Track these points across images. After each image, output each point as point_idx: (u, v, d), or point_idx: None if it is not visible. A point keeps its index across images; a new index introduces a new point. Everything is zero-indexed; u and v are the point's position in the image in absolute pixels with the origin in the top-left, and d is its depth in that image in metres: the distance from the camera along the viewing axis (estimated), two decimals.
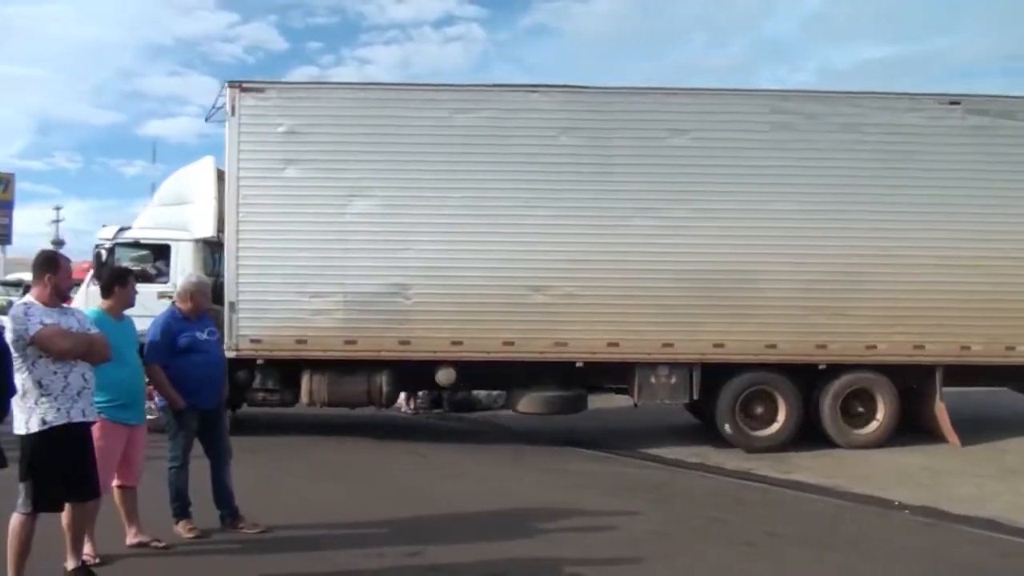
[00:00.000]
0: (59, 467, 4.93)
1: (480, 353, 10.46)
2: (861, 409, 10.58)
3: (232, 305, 10.30)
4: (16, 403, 4.94)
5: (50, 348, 4.86)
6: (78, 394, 4.99)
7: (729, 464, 9.66)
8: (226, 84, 10.73)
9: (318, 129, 10.76)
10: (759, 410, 10.54)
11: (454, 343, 10.50)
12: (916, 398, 10.75)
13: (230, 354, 9.81)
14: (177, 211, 11.56)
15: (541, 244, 10.49)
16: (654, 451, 10.32)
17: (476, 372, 10.90)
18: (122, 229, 11.94)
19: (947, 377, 10.52)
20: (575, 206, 10.49)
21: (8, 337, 4.91)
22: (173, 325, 6.33)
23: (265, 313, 10.38)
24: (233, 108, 10.64)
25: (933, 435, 10.48)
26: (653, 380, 10.54)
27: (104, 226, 12.33)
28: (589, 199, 10.51)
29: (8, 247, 42.91)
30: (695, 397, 10.56)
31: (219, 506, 6.44)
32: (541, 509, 7.22)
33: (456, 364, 10.65)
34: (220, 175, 11.13)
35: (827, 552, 6.21)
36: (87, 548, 5.52)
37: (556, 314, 10.47)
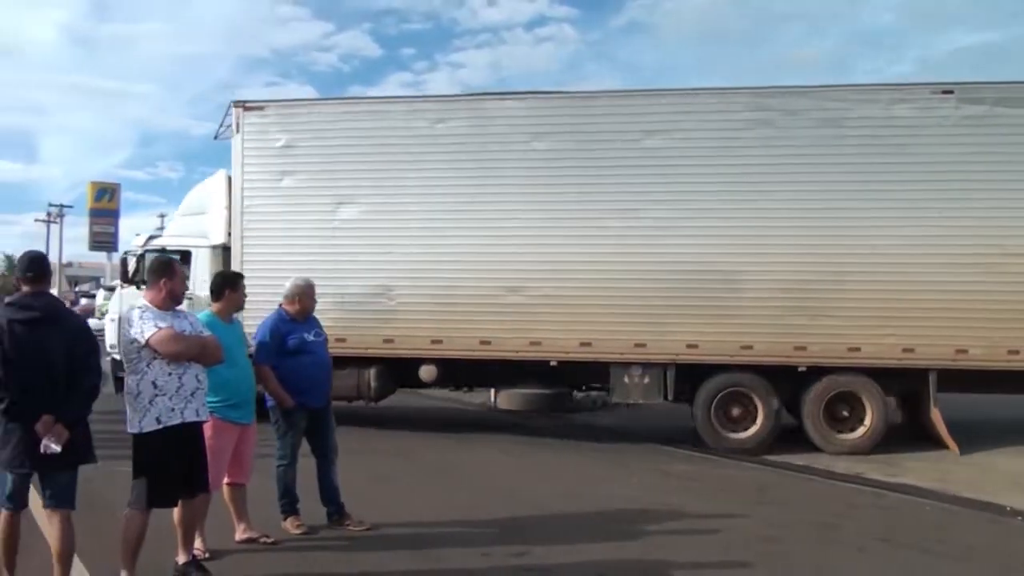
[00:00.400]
0: (172, 465, 5.04)
1: (459, 351, 10.88)
2: (846, 413, 10.27)
3: None
4: (129, 403, 5.03)
5: (164, 351, 4.97)
6: (192, 395, 5.09)
7: (837, 467, 9.40)
8: (232, 104, 11.66)
9: (310, 142, 11.52)
10: (736, 411, 10.46)
11: (434, 341, 10.94)
12: (917, 402, 10.59)
13: None
14: (197, 220, 12.63)
15: (516, 246, 10.85)
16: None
17: (459, 370, 11.31)
18: (151, 237, 13.47)
19: (951, 382, 10.13)
20: (549, 208, 10.82)
21: (123, 340, 4.97)
22: (281, 327, 6.45)
23: (266, 313, 10.40)
24: (238, 125, 11.59)
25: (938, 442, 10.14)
26: (627, 380, 10.70)
27: (137, 235, 14.12)
28: (563, 201, 10.82)
29: (114, 254, 45.53)
30: (669, 398, 10.64)
31: (326, 503, 6.54)
32: (644, 511, 7.14)
33: (438, 362, 11.06)
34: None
35: (939, 560, 6.04)
36: (197, 543, 5.62)
37: (531, 314, 10.78)
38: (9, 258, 58.02)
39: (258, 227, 11.45)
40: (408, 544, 6.15)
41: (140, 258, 12.86)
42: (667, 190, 10.54)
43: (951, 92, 10.08)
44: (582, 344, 10.67)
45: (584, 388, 12.02)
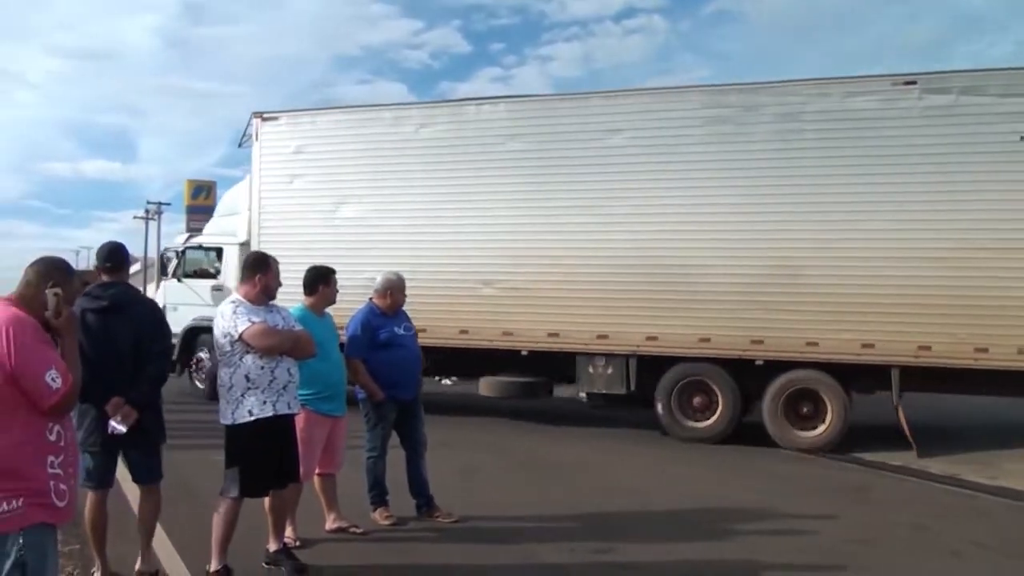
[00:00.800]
0: (264, 456, 5.16)
1: (439, 340, 11.18)
2: (806, 410, 10.24)
3: None
4: (222, 395, 5.19)
5: (257, 345, 5.09)
6: (284, 388, 5.21)
7: (934, 468, 9.14)
8: (252, 115, 13.09)
9: (315, 147, 12.75)
10: (697, 401, 10.70)
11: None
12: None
13: None
14: (229, 220, 14.21)
15: (491, 241, 11.50)
16: (856, 452, 9.93)
17: (442, 359, 11.73)
18: (191, 235, 15.29)
19: (924, 380, 9.92)
20: (521, 205, 11.38)
21: (216, 333, 5.15)
22: (372, 321, 6.54)
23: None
24: (256, 134, 13.03)
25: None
26: (591, 370, 11.08)
27: (179, 234, 16.16)
28: (533, 199, 11.32)
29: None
30: (632, 388, 10.87)
31: (415, 495, 6.64)
32: (737, 510, 7.05)
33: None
34: None
35: None
36: (288, 531, 5.75)
37: (503, 305, 11.41)
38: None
39: (272, 225, 12.70)
40: (496, 537, 6.21)
41: (180, 254, 14.57)
42: (626, 187, 10.82)
43: (914, 83, 9.86)
44: (550, 335, 11.18)
45: (557, 378, 12.43)
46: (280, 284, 5.41)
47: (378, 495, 6.52)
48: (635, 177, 10.77)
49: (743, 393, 10.52)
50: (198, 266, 14.36)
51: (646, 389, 10.88)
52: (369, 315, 6.59)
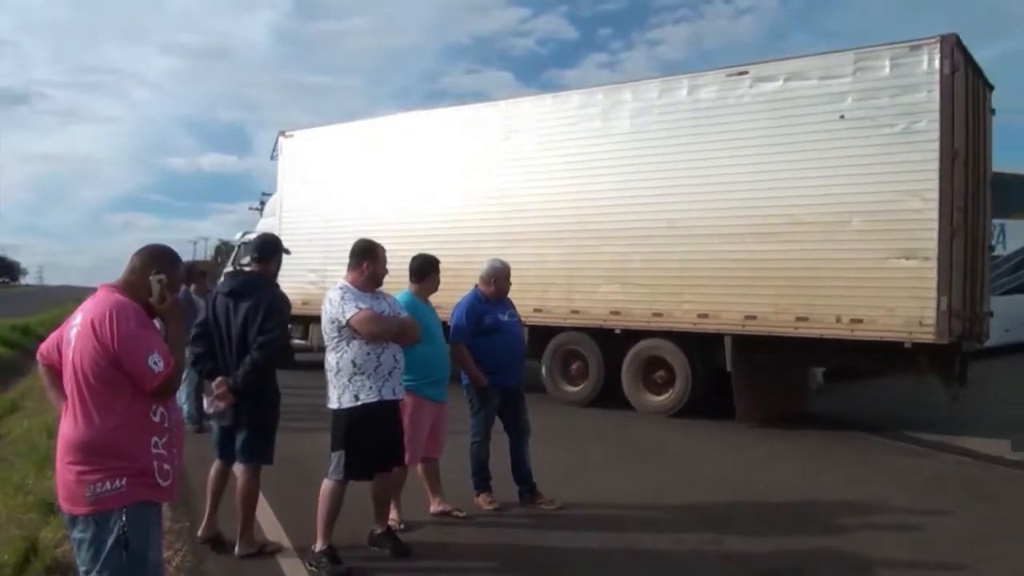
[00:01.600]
0: (369, 440, 5.21)
1: None
2: (659, 376, 11.39)
3: None
4: (329, 380, 5.26)
5: (364, 331, 5.15)
6: (389, 373, 5.25)
7: None
8: (278, 133, 16.17)
9: (317, 158, 15.64)
10: (575, 367, 12.21)
11: None
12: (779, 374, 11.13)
13: None
14: (268, 221, 16.58)
15: (442, 224, 13.14)
16: (973, 445, 9.50)
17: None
18: (246, 233, 18.33)
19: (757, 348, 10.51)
20: (460, 195, 13.40)
21: (324, 319, 5.24)
22: (477, 307, 6.57)
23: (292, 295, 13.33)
24: (280, 149, 16.17)
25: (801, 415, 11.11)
26: None
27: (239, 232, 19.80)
28: (467, 191, 13.30)
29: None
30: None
31: (518, 482, 6.64)
32: (848, 504, 6.83)
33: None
34: None
35: None
36: (393, 514, 5.82)
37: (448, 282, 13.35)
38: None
39: (290, 227, 14.88)
40: (599, 525, 6.15)
41: (238, 248, 17.62)
42: (529, 178, 12.50)
43: (746, 73, 10.72)
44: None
45: None
46: (387, 271, 5.46)
47: (481, 480, 6.54)
48: (528, 171, 12.59)
49: (608, 360, 11.74)
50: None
51: (536, 355, 12.18)
52: (474, 301, 6.61)
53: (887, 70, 9.67)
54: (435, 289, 6.21)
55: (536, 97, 13.24)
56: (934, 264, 9.17)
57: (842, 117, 9.81)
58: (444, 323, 6.40)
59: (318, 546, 5.14)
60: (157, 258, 3.35)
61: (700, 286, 10.70)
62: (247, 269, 5.64)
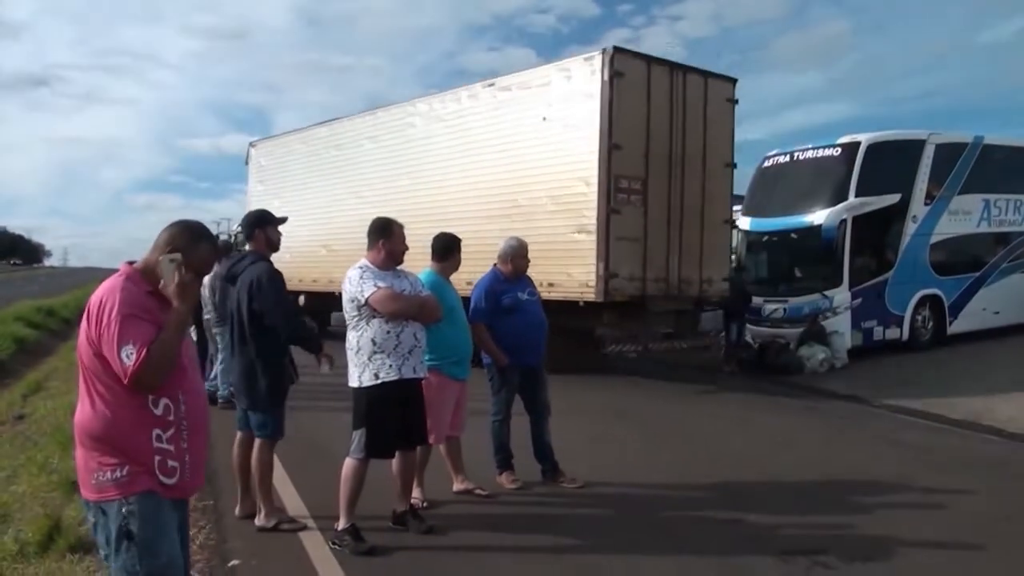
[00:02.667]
0: (390, 418, 5.21)
1: (316, 286, 16.71)
2: None
3: None
4: (350, 358, 5.23)
5: (383, 309, 5.12)
6: (409, 352, 5.22)
7: None
8: (249, 144, 20.09)
9: (273, 163, 19.44)
10: None
11: (313, 280, 16.87)
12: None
13: None
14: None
15: (326, 217, 17.04)
16: (998, 423, 9.37)
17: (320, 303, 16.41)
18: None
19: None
20: (348, 192, 16.59)
21: (344, 297, 5.23)
22: (496, 287, 6.52)
23: None
24: (248, 157, 20.22)
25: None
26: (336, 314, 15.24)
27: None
28: (351, 186, 16.59)
29: None
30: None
31: (539, 460, 6.63)
32: (871, 482, 6.76)
33: (308, 293, 16.91)
34: None
35: None
36: (416, 492, 5.83)
37: (332, 261, 15.88)
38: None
39: None
40: (620, 503, 6.16)
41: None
42: (398, 173, 15.16)
43: (492, 84, 13.34)
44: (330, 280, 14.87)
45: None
46: (406, 248, 5.41)
47: (503, 459, 6.53)
48: (372, 170, 15.99)
49: None
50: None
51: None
52: (493, 281, 6.56)
53: (572, 79, 11.84)
54: (457, 268, 6.18)
55: (393, 106, 16.35)
56: (594, 237, 11.31)
57: (544, 119, 12.13)
58: (467, 299, 6.42)
59: (341, 524, 5.15)
60: (178, 235, 3.08)
61: (466, 259, 11.72)
62: (248, 247, 5.69)
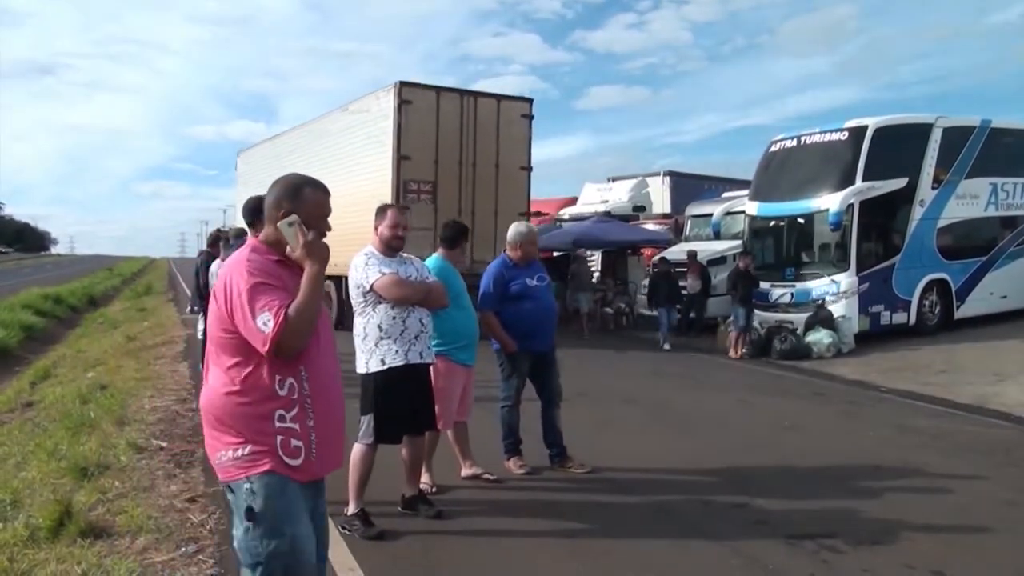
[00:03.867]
0: (398, 404, 5.21)
1: None
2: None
3: None
4: (358, 345, 5.24)
5: (388, 295, 5.13)
6: (415, 337, 5.22)
7: None
8: (237, 153, 22.50)
9: (250, 168, 21.68)
10: None
11: None
12: None
13: None
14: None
15: None
16: (1006, 407, 9.42)
17: None
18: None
19: None
20: None
21: (350, 284, 5.25)
22: (504, 273, 6.49)
23: None
24: (236, 165, 22.99)
25: None
26: None
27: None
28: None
29: None
30: None
31: (548, 445, 6.64)
32: (878, 467, 6.78)
33: None
34: None
35: None
36: (425, 477, 5.84)
37: None
38: None
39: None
40: (629, 488, 6.16)
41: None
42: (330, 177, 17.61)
43: (346, 109, 16.90)
44: None
45: None
46: (406, 227, 5.36)
47: (512, 444, 6.53)
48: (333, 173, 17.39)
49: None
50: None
51: None
52: (501, 267, 6.53)
53: (380, 106, 15.19)
54: (464, 255, 6.21)
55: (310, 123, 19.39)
56: None
57: (368, 137, 15.58)
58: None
59: (350, 509, 5.17)
60: (280, 197, 2.96)
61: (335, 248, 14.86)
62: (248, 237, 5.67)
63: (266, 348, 2.71)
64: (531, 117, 15.52)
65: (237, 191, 21.44)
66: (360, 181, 15.11)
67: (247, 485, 2.82)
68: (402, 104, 14.42)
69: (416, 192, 14.61)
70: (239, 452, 2.82)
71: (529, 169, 15.60)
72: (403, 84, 14.47)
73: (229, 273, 2.85)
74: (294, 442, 2.86)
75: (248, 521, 2.82)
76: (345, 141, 16.59)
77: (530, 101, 15.66)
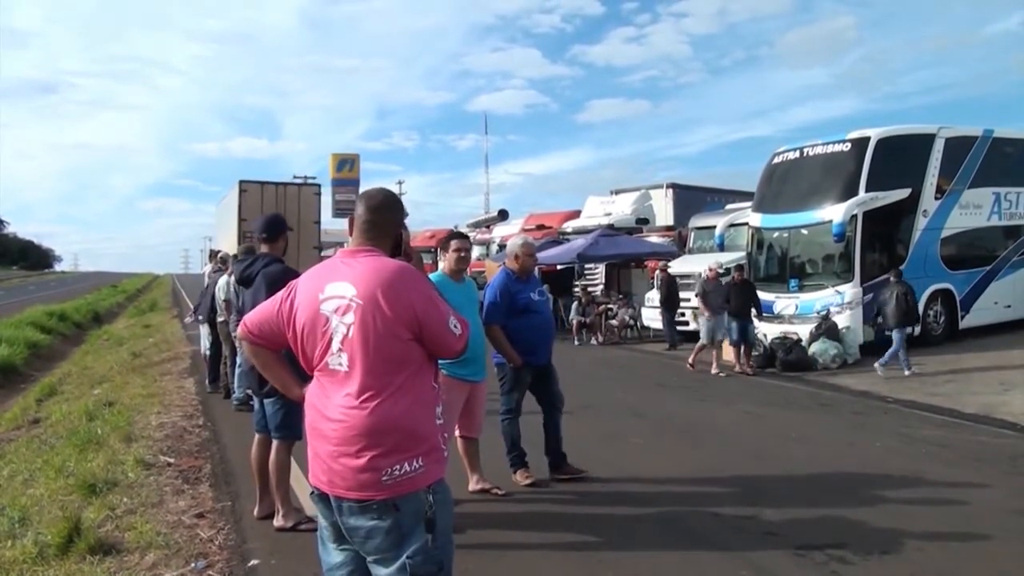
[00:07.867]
0: None
1: None
2: None
3: None
4: None
5: None
6: None
7: None
8: (239, 182, 21.99)
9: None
10: None
11: None
12: None
13: None
14: None
15: None
16: (1012, 417, 9.33)
17: None
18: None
19: None
20: None
21: None
22: (510, 286, 6.47)
23: None
24: (239, 194, 22.70)
25: None
26: None
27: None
28: None
29: None
30: None
31: (547, 452, 6.67)
32: (885, 477, 6.77)
33: None
34: None
35: None
36: None
37: None
38: None
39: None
40: (637, 500, 6.15)
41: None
42: None
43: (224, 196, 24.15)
44: None
45: None
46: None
47: (517, 457, 6.54)
48: None
49: None
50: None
51: None
52: (507, 280, 6.51)
53: (233, 193, 21.71)
54: (466, 269, 6.16)
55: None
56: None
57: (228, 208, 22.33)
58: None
59: None
60: (395, 210, 3.07)
61: None
62: (263, 249, 5.76)
63: (459, 348, 2.94)
64: (319, 195, 22.53)
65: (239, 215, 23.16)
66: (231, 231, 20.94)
67: (428, 496, 2.76)
68: (242, 192, 20.88)
69: (250, 238, 17.47)
70: (416, 464, 2.75)
71: (318, 223, 21.90)
72: (243, 182, 20.98)
73: (404, 283, 2.82)
74: (445, 434, 2.95)
75: (428, 533, 2.76)
76: (231, 209, 21.83)
77: (318, 186, 22.86)
